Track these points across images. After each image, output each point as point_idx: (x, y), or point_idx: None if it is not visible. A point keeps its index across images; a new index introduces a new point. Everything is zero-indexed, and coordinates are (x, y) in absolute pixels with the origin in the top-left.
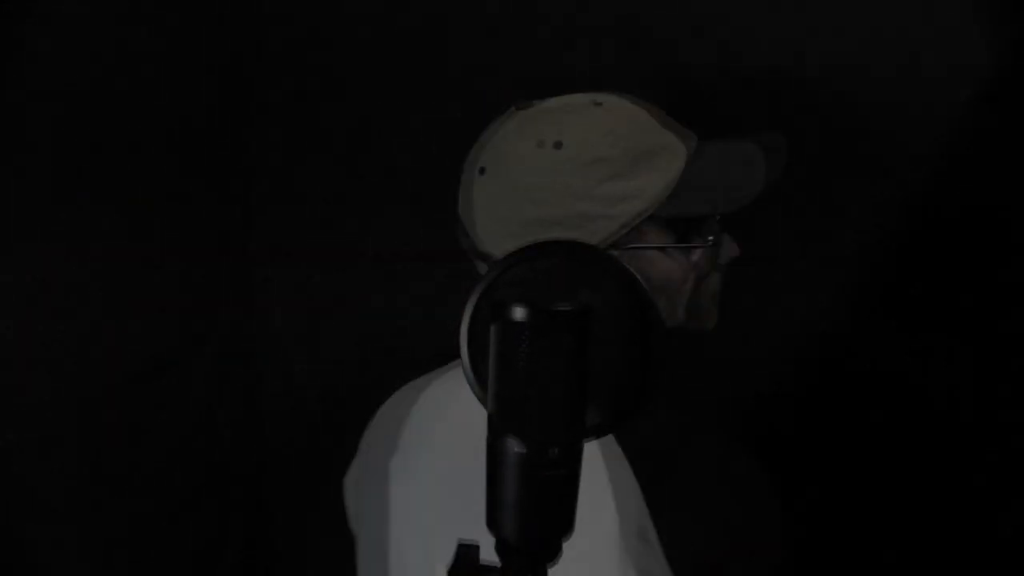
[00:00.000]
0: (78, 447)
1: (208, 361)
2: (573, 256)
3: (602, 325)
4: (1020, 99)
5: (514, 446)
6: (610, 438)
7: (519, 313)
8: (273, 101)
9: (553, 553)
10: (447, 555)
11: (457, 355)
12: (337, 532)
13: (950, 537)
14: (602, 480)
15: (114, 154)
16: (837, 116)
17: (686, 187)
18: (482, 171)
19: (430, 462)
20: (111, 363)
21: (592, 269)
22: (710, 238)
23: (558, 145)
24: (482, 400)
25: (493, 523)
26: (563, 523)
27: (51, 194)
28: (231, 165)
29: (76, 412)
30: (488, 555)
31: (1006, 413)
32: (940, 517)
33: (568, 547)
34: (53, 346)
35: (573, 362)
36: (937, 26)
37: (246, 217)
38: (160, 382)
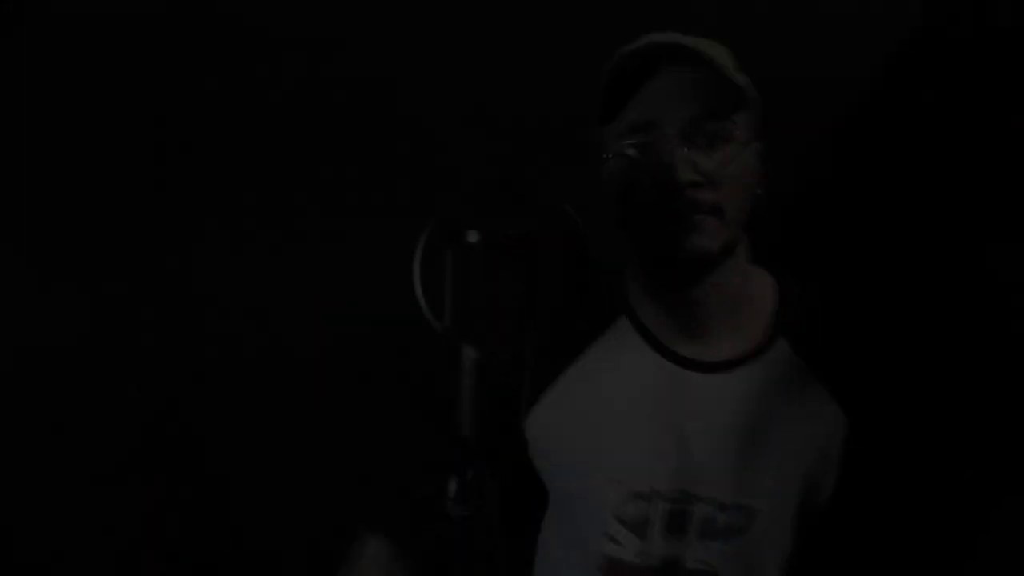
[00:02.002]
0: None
1: (154, 322)
2: (519, 194)
3: (546, 254)
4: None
5: (470, 353)
6: None
7: (473, 236)
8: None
9: (505, 446)
10: None
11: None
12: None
13: None
14: None
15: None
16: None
17: None
18: None
19: None
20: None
21: (536, 207)
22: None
23: None
24: (434, 322)
25: (452, 424)
26: (512, 420)
27: None
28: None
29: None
30: None
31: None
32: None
33: None
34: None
35: (520, 278)
36: None
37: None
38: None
